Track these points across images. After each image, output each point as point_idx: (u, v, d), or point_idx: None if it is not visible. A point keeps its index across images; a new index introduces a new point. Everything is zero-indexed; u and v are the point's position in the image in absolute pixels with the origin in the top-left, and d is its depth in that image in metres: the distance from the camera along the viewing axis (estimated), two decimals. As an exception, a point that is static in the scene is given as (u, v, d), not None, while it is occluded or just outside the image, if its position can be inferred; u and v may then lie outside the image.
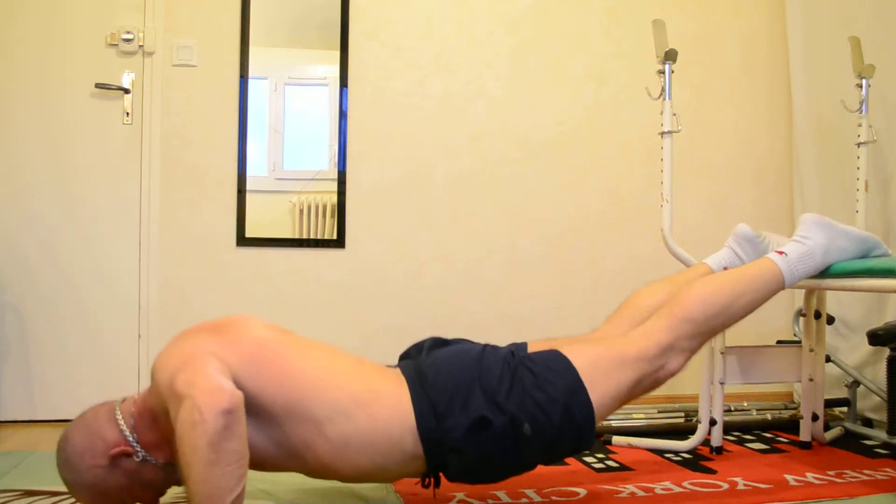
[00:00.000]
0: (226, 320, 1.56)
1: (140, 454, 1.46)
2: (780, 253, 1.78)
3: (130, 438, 1.46)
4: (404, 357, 1.70)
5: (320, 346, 1.59)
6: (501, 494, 1.86)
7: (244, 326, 1.54)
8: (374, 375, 1.56)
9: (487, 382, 1.52)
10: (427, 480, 1.63)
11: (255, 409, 1.43)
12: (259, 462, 1.45)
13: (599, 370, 1.58)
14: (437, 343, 1.68)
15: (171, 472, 1.47)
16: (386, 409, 1.49)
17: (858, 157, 2.60)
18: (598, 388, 1.56)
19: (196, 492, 1.26)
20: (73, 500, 1.76)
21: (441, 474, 1.60)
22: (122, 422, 1.47)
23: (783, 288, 1.76)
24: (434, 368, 1.56)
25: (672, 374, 1.66)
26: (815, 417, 2.40)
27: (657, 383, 1.66)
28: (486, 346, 1.64)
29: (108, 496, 1.47)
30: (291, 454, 1.48)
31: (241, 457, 1.30)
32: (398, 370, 1.60)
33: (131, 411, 1.50)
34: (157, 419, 1.46)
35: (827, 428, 2.51)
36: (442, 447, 1.50)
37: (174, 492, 1.81)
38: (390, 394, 1.51)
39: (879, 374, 2.58)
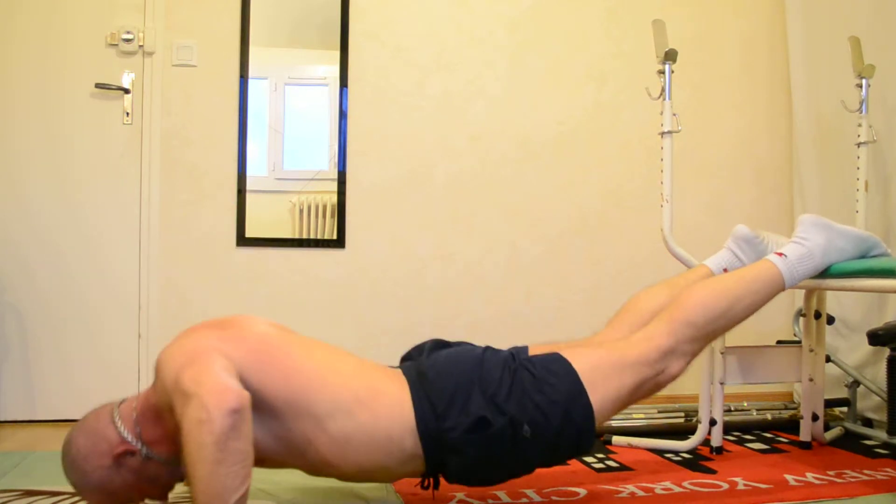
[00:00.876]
0: (229, 318, 1.58)
1: (143, 452, 1.46)
2: (780, 254, 1.78)
3: (130, 438, 1.46)
4: (406, 359, 1.70)
5: (323, 345, 1.60)
6: (501, 494, 1.86)
7: (248, 323, 1.56)
8: (376, 375, 1.57)
9: (487, 384, 1.52)
10: (427, 481, 1.63)
11: (258, 405, 1.43)
12: (260, 458, 1.45)
13: (600, 374, 1.58)
14: (439, 345, 1.69)
15: (177, 467, 1.48)
16: (387, 408, 1.49)
17: (858, 157, 2.60)
18: (599, 392, 1.57)
19: (201, 490, 1.26)
20: (75, 500, 1.77)
21: (440, 475, 1.60)
22: (119, 422, 1.48)
23: (783, 289, 1.76)
24: (435, 370, 1.56)
25: (673, 378, 1.66)
26: (815, 417, 2.40)
27: (658, 387, 1.66)
28: (486, 348, 1.64)
29: (117, 495, 1.49)
30: (293, 450, 1.49)
31: (247, 456, 1.30)
32: (399, 371, 1.61)
33: (132, 410, 1.50)
34: (160, 415, 1.47)
35: (827, 428, 2.51)
36: (441, 447, 1.50)
37: (178, 491, 1.81)
38: (391, 393, 1.52)
39: (879, 374, 2.58)
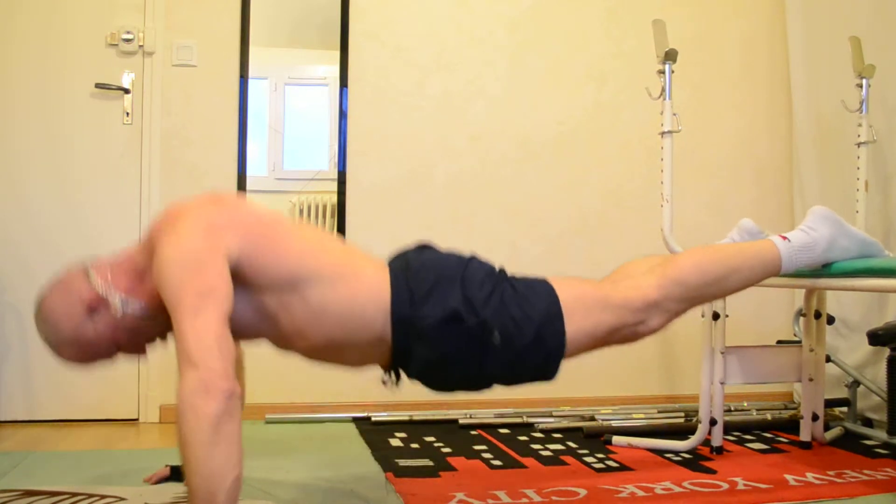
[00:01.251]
0: (227, 197, 1.61)
1: (118, 303, 1.48)
2: (784, 238, 1.78)
3: (105, 291, 1.48)
4: (395, 258, 1.71)
5: (315, 227, 1.65)
6: (501, 494, 1.86)
7: (245, 204, 1.60)
8: (360, 257, 1.61)
9: (468, 285, 1.55)
10: (388, 377, 1.64)
11: (244, 278, 1.46)
12: (232, 330, 1.43)
13: (581, 305, 1.59)
14: (429, 246, 1.71)
15: (154, 318, 1.50)
16: (366, 287, 1.53)
17: (858, 157, 2.60)
18: (576, 322, 1.57)
19: (196, 471, 1.25)
20: (75, 500, 1.77)
21: (402, 370, 1.61)
22: (92, 274, 1.50)
23: (779, 272, 1.74)
24: (419, 261, 1.60)
25: (651, 332, 1.65)
26: (815, 417, 2.40)
27: (635, 336, 1.65)
28: (474, 255, 1.66)
29: (91, 349, 1.50)
30: (268, 318, 1.51)
31: (239, 440, 1.30)
32: (384, 260, 1.64)
33: (110, 267, 1.53)
34: (142, 275, 1.50)
35: (827, 428, 2.51)
36: (410, 333, 1.52)
37: (182, 491, 1.81)
38: (372, 274, 1.56)
39: (879, 374, 2.58)
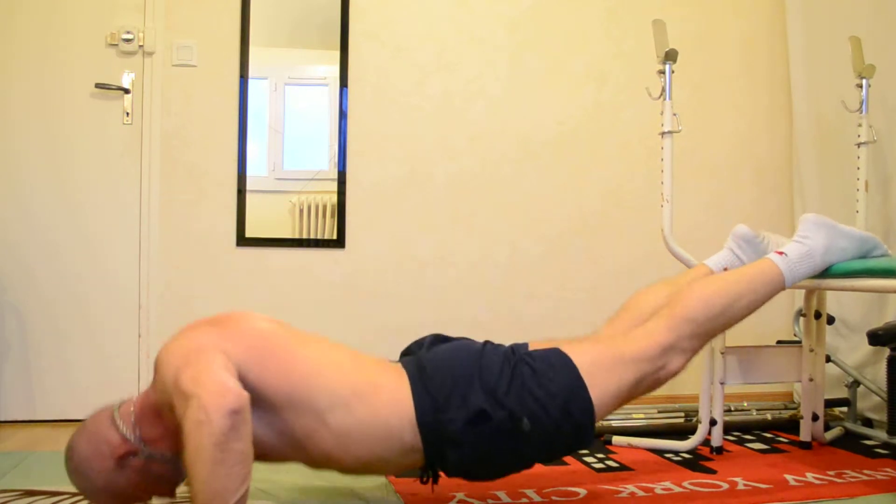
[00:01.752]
0: (227, 315, 1.58)
1: (144, 452, 1.47)
2: (780, 253, 1.78)
3: (130, 438, 1.47)
4: (405, 353, 1.71)
5: (321, 339, 1.61)
6: (501, 494, 1.86)
7: (246, 319, 1.56)
8: (375, 368, 1.57)
9: (487, 378, 1.53)
10: (426, 476, 1.63)
11: (258, 400, 1.43)
12: (261, 454, 1.46)
13: (600, 369, 1.58)
14: (438, 339, 1.69)
15: (181, 464, 1.47)
16: (386, 401, 1.50)
17: (858, 157, 2.60)
18: (599, 387, 1.56)
19: (200, 491, 1.26)
20: (75, 500, 1.77)
21: (439, 470, 1.60)
22: (120, 423, 1.48)
23: (784, 288, 1.76)
24: (434, 363, 1.57)
25: (673, 375, 1.66)
26: (815, 417, 2.40)
27: (658, 383, 1.66)
28: (486, 342, 1.65)
29: (124, 496, 1.49)
30: (294, 444, 1.49)
31: (247, 457, 1.30)
32: (398, 364, 1.61)
33: (131, 411, 1.51)
34: (160, 414, 1.47)
35: (827, 428, 2.51)
36: (440, 439, 1.50)
37: (183, 492, 1.81)
38: (390, 386, 1.52)
39: (879, 374, 2.58)
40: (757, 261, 1.84)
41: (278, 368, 1.47)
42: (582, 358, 1.59)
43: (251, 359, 1.45)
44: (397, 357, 1.71)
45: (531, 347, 1.66)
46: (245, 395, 1.33)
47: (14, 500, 1.78)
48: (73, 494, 1.81)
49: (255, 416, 1.40)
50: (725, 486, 1.96)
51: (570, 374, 1.56)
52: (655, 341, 1.63)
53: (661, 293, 1.85)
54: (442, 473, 1.62)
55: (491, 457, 1.54)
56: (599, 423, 2.65)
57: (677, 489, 1.94)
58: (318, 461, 1.54)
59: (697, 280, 1.82)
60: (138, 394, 1.57)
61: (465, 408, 1.49)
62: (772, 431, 2.63)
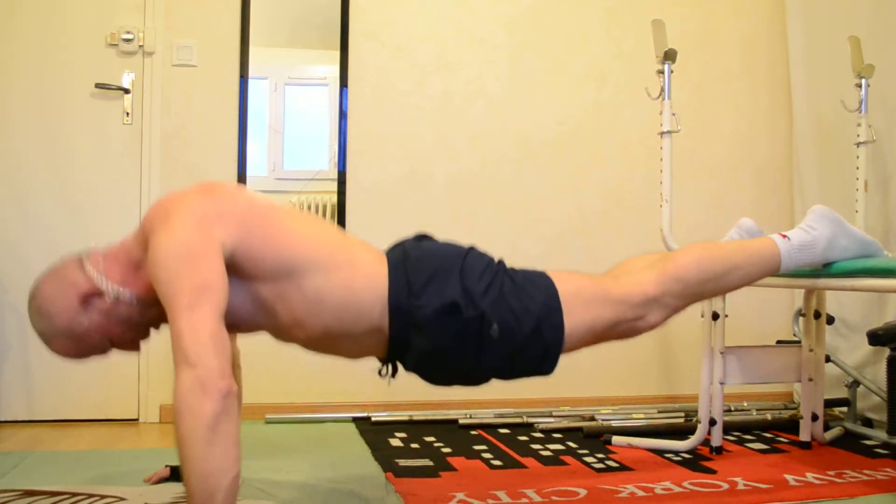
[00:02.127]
0: (223, 186, 1.59)
1: (112, 292, 1.47)
2: (784, 236, 1.78)
3: (99, 280, 1.47)
4: (393, 248, 1.71)
5: (311, 215, 1.64)
6: (501, 494, 1.87)
7: (241, 193, 1.59)
8: (357, 245, 1.60)
9: (467, 276, 1.54)
10: (385, 368, 1.64)
11: (241, 269, 1.46)
12: (232, 322, 1.44)
13: (580, 299, 1.58)
14: (426, 236, 1.72)
15: (149, 307, 1.49)
16: (363, 276, 1.52)
17: (858, 157, 2.60)
18: (575, 316, 1.57)
19: (194, 471, 1.25)
20: (75, 500, 1.77)
21: (399, 362, 1.61)
22: (88, 265, 1.49)
23: (778, 270, 1.74)
24: (419, 252, 1.60)
25: (650, 328, 1.65)
26: (815, 417, 2.40)
27: (633, 332, 1.65)
28: (473, 247, 1.65)
29: (86, 341, 1.50)
30: (265, 309, 1.51)
31: (238, 439, 1.30)
32: (381, 251, 1.63)
33: (104, 257, 1.52)
34: (136, 264, 1.49)
35: (827, 428, 2.51)
36: (408, 323, 1.51)
37: (183, 492, 1.81)
38: (369, 263, 1.55)
39: (879, 374, 2.58)
40: (758, 238, 1.85)
41: (265, 239, 1.48)
42: (565, 285, 1.59)
43: (241, 233, 1.45)
44: None
45: None
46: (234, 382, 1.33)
47: (14, 500, 1.78)
48: (73, 494, 1.82)
49: (234, 283, 1.41)
50: (725, 485, 1.97)
51: (549, 295, 1.57)
52: (642, 290, 1.62)
53: (655, 257, 1.84)
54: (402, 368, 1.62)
55: (452, 353, 1.54)
56: (599, 423, 2.67)
57: (677, 489, 1.94)
58: (285, 328, 1.54)
59: (696, 242, 1.81)
60: (115, 243, 1.57)
61: (438, 297, 1.50)
62: (772, 431, 2.63)
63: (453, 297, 1.50)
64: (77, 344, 1.50)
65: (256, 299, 1.50)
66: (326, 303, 1.50)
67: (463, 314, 1.50)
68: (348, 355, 1.65)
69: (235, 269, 1.44)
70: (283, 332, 1.57)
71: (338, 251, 1.55)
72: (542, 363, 1.58)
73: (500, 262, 1.64)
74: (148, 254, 1.42)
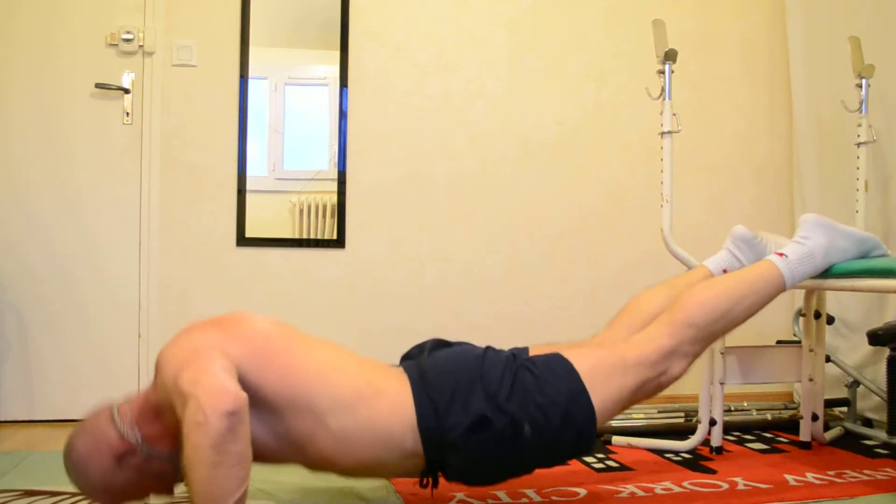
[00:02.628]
0: (229, 315, 1.57)
1: (144, 450, 1.46)
2: (780, 255, 1.78)
3: (130, 436, 1.46)
4: (406, 358, 1.70)
5: (323, 342, 1.60)
6: (501, 495, 1.86)
7: (248, 320, 1.55)
8: (377, 372, 1.57)
9: (489, 383, 1.52)
10: (425, 480, 1.63)
11: (258, 402, 1.43)
12: (261, 455, 1.45)
13: (601, 374, 1.58)
14: (440, 344, 1.69)
15: (180, 463, 1.47)
16: (387, 406, 1.49)
17: (858, 157, 2.60)
18: (600, 392, 1.56)
19: (198, 492, 1.26)
20: (75, 500, 1.77)
21: (439, 474, 1.60)
22: (119, 422, 1.48)
23: (784, 290, 1.76)
24: (436, 368, 1.56)
25: (674, 379, 1.66)
26: (815, 417, 2.40)
27: (660, 388, 1.66)
28: (487, 348, 1.64)
29: (123, 494, 1.50)
30: (294, 447, 1.49)
31: (245, 459, 1.30)
32: (400, 369, 1.61)
33: (131, 409, 1.51)
34: (160, 413, 1.47)
35: (827, 428, 2.51)
36: (441, 445, 1.50)
37: (182, 492, 1.81)
38: (392, 390, 1.52)
39: (879, 374, 2.58)
40: (757, 263, 1.84)
41: (279, 370, 1.46)
42: (583, 363, 1.59)
43: (252, 360, 1.44)
44: (398, 361, 1.71)
45: (532, 353, 1.66)
46: (243, 395, 1.33)
47: (14, 500, 1.78)
48: (73, 494, 1.82)
49: (254, 417, 1.39)
50: (725, 486, 1.96)
51: (571, 379, 1.56)
52: (657, 346, 1.63)
53: (661, 296, 1.85)
54: (442, 478, 1.62)
55: (492, 463, 1.54)
56: (599, 427, 2.66)
57: (677, 489, 1.94)
58: (317, 463, 1.54)
59: (698, 284, 1.82)
60: (137, 393, 1.57)
61: (466, 413, 1.48)
62: (772, 431, 2.63)
63: (480, 410, 1.49)
64: (113, 497, 1.51)
65: (282, 436, 1.48)
66: (355, 440, 1.48)
67: (493, 425, 1.49)
68: (388, 476, 1.65)
69: (254, 402, 1.41)
70: (316, 467, 1.56)
71: (359, 382, 1.52)
72: (579, 446, 1.59)
73: (517, 356, 1.62)
74: (158, 379, 1.43)
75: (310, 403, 1.46)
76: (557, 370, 1.57)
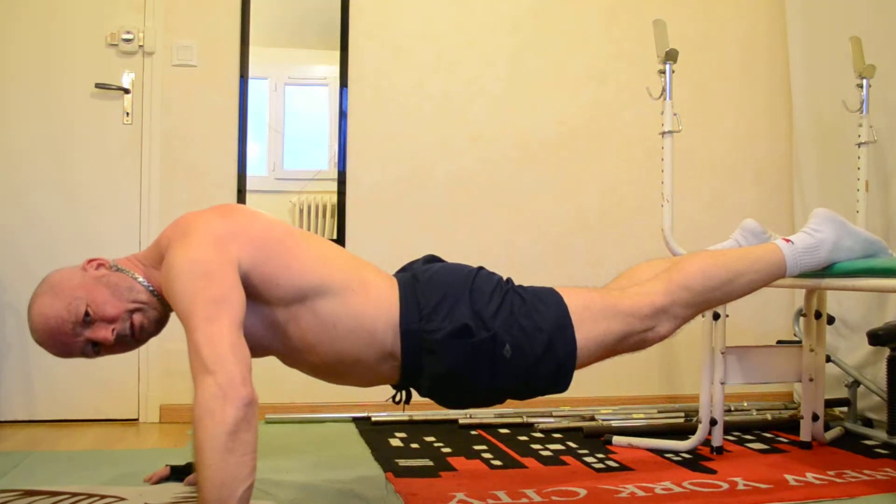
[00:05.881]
0: (237, 207, 1.64)
1: (113, 266, 1.58)
2: (787, 241, 1.78)
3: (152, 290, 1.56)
4: (401, 271, 1.72)
5: (322, 239, 1.66)
6: (501, 494, 1.86)
7: (254, 213, 1.61)
8: (369, 270, 1.61)
9: (477, 298, 1.55)
10: (399, 396, 1.64)
11: (254, 292, 1.47)
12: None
13: (590, 313, 1.59)
14: (434, 258, 1.72)
15: (154, 292, 1.56)
16: (375, 300, 1.53)
17: (859, 157, 2.60)
18: (585, 331, 1.57)
19: (209, 477, 1.24)
20: (75, 500, 1.77)
21: (412, 388, 1.62)
22: (137, 277, 1.58)
23: (784, 275, 1.75)
24: (428, 274, 1.60)
25: (660, 339, 1.66)
26: (815, 417, 2.40)
27: (644, 343, 1.65)
28: (480, 268, 1.66)
29: (137, 343, 1.63)
30: (278, 332, 1.52)
31: (255, 450, 1.30)
32: (392, 275, 1.64)
33: (132, 267, 1.60)
34: (148, 266, 1.57)
35: (827, 428, 2.51)
36: (420, 348, 1.52)
37: (182, 492, 1.82)
38: (381, 287, 1.56)
39: (879, 374, 2.58)
40: (763, 244, 1.85)
41: (279, 262, 1.50)
42: (573, 300, 1.60)
43: (257, 256, 1.48)
44: None
45: None
46: (254, 392, 1.33)
47: (14, 500, 1.78)
48: (73, 494, 1.82)
49: (247, 306, 1.42)
50: (725, 486, 1.96)
51: (559, 311, 1.57)
52: (650, 301, 1.63)
53: (661, 265, 1.84)
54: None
55: (465, 376, 1.54)
56: (599, 423, 2.67)
57: (677, 489, 1.94)
58: (296, 352, 1.55)
59: (701, 251, 1.82)
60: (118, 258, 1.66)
61: (450, 321, 1.51)
62: (772, 431, 2.63)
63: (464, 319, 1.51)
64: (125, 347, 1.63)
65: (269, 323, 1.51)
66: (339, 327, 1.51)
67: (475, 336, 1.50)
68: (360, 383, 1.65)
69: (249, 292, 1.45)
70: (293, 356, 1.58)
71: (351, 275, 1.55)
72: (557, 380, 1.59)
73: (509, 281, 1.65)
74: (163, 270, 1.45)
75: (303, 289, 1.50)
76: (547, 300, 1.59)
